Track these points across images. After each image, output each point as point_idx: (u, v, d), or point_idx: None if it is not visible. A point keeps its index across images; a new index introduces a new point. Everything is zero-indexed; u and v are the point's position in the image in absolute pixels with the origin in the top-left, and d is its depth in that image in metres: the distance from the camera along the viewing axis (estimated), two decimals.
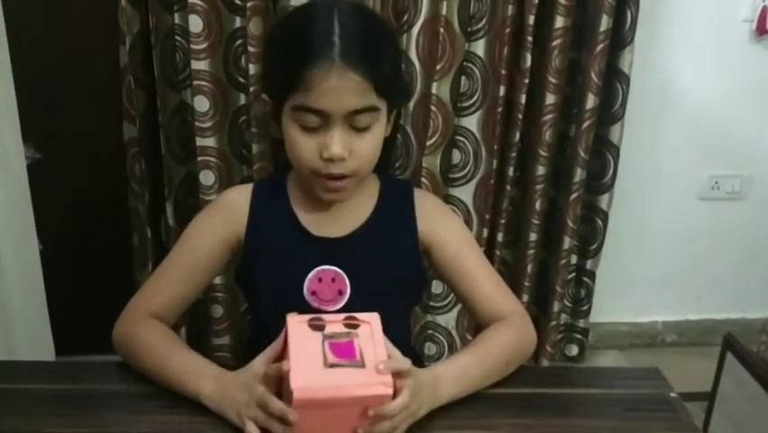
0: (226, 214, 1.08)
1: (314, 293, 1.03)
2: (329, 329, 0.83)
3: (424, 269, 1.13)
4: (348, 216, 1.07)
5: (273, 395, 0.83)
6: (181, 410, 0.90)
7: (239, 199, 1.09)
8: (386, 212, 1.09)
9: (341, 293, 1.03)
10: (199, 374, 0.92)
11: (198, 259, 1.06)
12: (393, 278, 1.06)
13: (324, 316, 0.85)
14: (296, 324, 0.83)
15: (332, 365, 0.79)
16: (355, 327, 0.84)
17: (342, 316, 0.85)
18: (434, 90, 1.75)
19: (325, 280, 1.04)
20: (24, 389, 0.95)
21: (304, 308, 1.01)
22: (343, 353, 0.80)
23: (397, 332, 0.93)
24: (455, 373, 0.95)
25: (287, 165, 1.08)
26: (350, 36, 0.93)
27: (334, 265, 1.04)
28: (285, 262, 1.06)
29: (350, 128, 0.95)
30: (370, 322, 0.84)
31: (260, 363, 0.86)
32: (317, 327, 0.83)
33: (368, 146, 0.98)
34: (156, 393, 0.94)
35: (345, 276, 1.04)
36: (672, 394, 0.95)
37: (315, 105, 0.93)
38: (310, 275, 1.03)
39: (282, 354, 0.85)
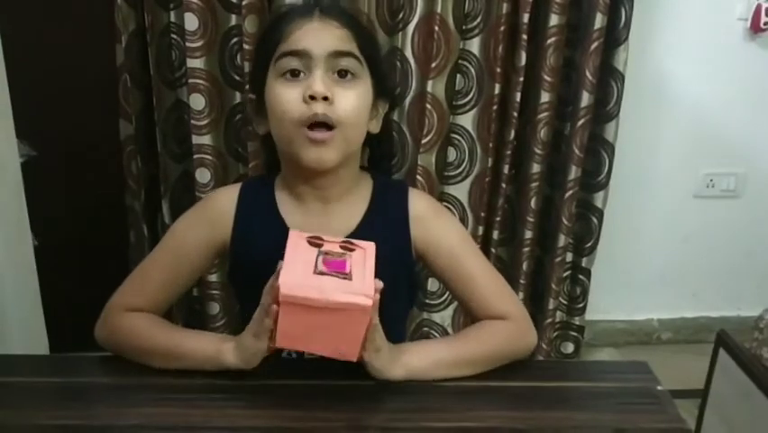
0: (211, 219, 1.05)
1: None
2: (326, 247, 0.87)
3: (417, 274, 1.11)
4: (337, 221, 1.03)
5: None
6: (170, 403, 0.91)
7: (225, 203, 1.06)
8: (378, 217, 1.04)
9: None
10: (222, 339, 0.95)
11: (181, 263, 1.04)
12: (385, 284, 1.05)
13: (323, 236, 0.89)
14: (296, 238, 0.88)
15: (321, 273, 0.83)
16: (351, 250, 0.88)
17: (340, 239, 0.90)
18: (429, 88, 1.76)
19: None
20: (15, 382, 0.96)
21: None
22: (334, 266, 0.85)
23: (392, 337, 0.93)
24: (421, 348, 0.98)
25: (276, 167, 1.07)
26: (331, 4, 1.01)
27: None
28: (272, 267, 1.03)
29: (333, 75, 0.96)
30: (365, 249, 0.88)
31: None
32: (315, 244, 0.88)
33: (350, 99, 0.96)
34: (145, 386, 0.94)
35: None
36: (659, 388, 0.95)
37: (297, 46, 0.95)
38: None
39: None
